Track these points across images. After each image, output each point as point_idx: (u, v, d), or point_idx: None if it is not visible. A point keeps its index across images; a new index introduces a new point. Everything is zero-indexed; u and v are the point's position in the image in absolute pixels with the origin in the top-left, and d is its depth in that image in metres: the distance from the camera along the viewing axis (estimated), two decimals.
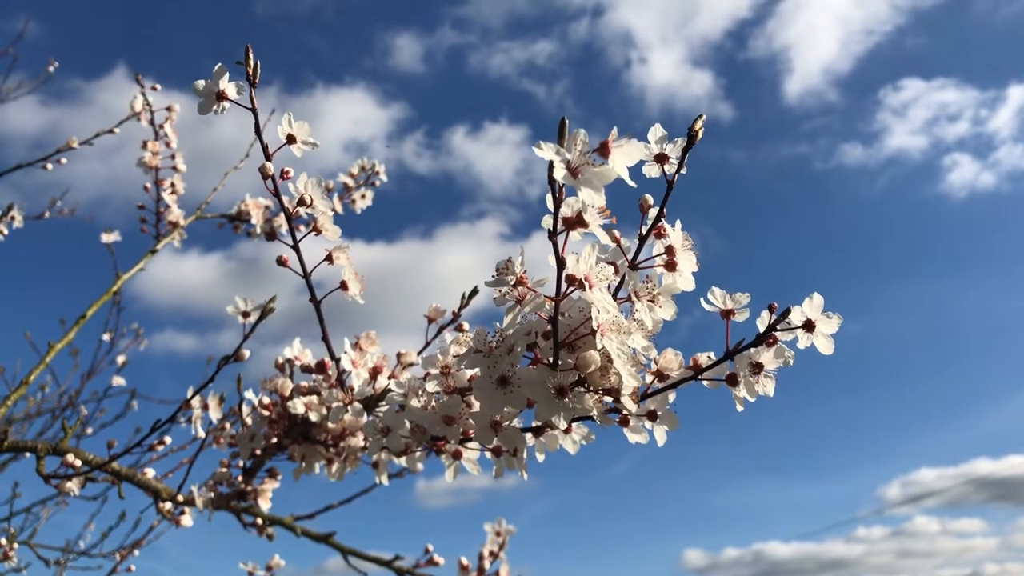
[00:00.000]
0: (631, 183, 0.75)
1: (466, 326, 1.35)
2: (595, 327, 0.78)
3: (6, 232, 2.47)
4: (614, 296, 0.86)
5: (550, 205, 0.76)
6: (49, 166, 2.49)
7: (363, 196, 2.55)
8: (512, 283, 0.82)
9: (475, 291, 1.36)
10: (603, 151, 0.72)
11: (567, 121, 0.70)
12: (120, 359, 3.49)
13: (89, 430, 3.46)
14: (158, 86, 2.35)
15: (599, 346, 0.79)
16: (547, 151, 0.70)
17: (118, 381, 3.43)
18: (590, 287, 0.77)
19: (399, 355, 1.30)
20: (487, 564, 1.69)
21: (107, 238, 2.43)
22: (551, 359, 0.84)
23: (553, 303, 0.80)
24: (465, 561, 1.67)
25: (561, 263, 0.76)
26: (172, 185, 2.31)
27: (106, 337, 3.56)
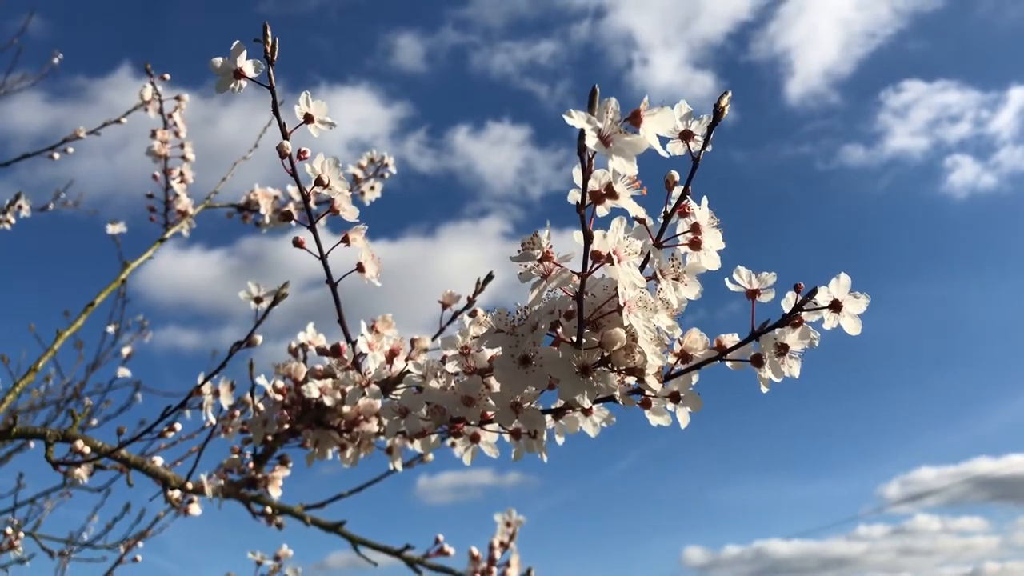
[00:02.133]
0: (663, 153, 0.74)
1: (480, 311, 1.34)
2: (622, 303, 0.77)
3: (13, 221, 2.46)
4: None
5: (577, 179, 0.74)
6: (56, 155, 2.48)
7: (372, 188, 2.54)
8: (538, 258, 0.81)
9: (490, 276, 1.35)
10: (635, 120, 0.71)
11: (598, 89, 0.69)
12: (125, 350, 3.48)
13: (94, 421, 3.46)
14: (167, 75, 2.34)
15: (625, 323, 0.78)
16: (578, 119, 0.68)
17: (123, 372, 3.42)
18: (618, 261, 0.76)
19: (413, 340, 1.29)
20: (497, 554, 1.68)
21: (113, 229, 2.42)
22: (575, 337, 0.82)
23: (579, 279, 0.78)
24: (476, 551, 1.66)
25: (588, 237, 0.75)
26: (181, 174, 2.29)
27: (111, 329, 3.56)
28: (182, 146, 2.32)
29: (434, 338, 1.29)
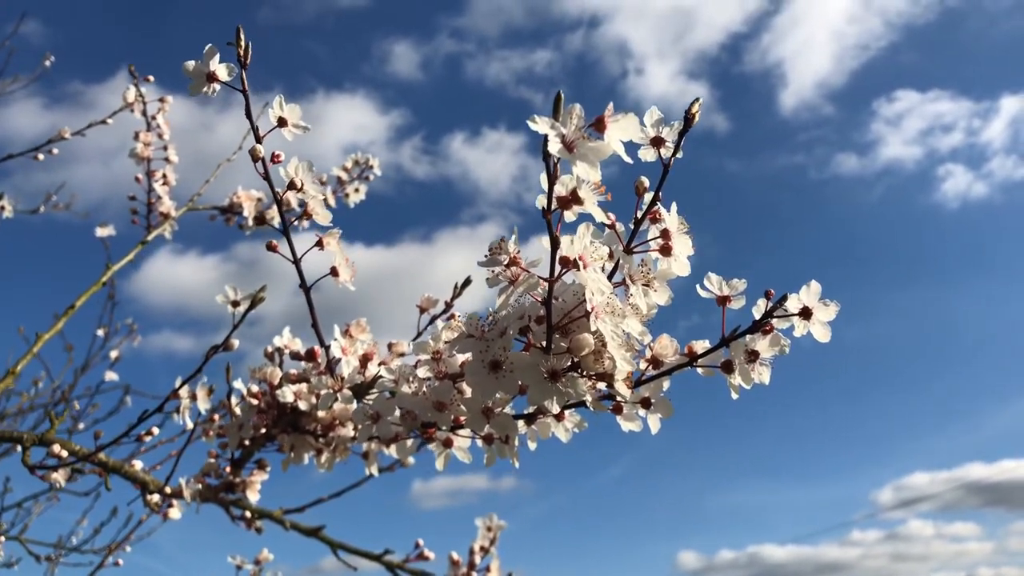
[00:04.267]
0: (627, 159, 0.74)
1: (458, 315, 1.33)
2: (589, 309, 0.77)
3: None
4: (608, 280, 0.85)
5: (544, 183, 0.74)
6: (40, 156, 2.46)
7: (356, 190, 2.53)
8: (505, 263, 0.81)
9: (468, 281, 1.35)
10: (599, 126, 0.70)
11: (562, 95, 0.69)
12: (113, 354, 3.46)
13: (81, 425, 3.44)
14: (151, 77, 2.32)
15: (593, 328, 0.78)
16: (542, 124, 0.68)
17: (111, 376, 3.40)
18: (584, 267, 0.76)
19: (390, 345, 1.28)
20: (478, 559, 1.67)
21: (102, 232, 2.41)
22: (544, 343, 0.82)
23: (547, 284, 0.78)
24: (456, 556, 1.66)
25: (555, 242, 0.75)
26: (164, 176, 2.28)
27: (100, 332, 3.54)
28: (165, 148, 2.31)
29: (412, 342, 1.29)
